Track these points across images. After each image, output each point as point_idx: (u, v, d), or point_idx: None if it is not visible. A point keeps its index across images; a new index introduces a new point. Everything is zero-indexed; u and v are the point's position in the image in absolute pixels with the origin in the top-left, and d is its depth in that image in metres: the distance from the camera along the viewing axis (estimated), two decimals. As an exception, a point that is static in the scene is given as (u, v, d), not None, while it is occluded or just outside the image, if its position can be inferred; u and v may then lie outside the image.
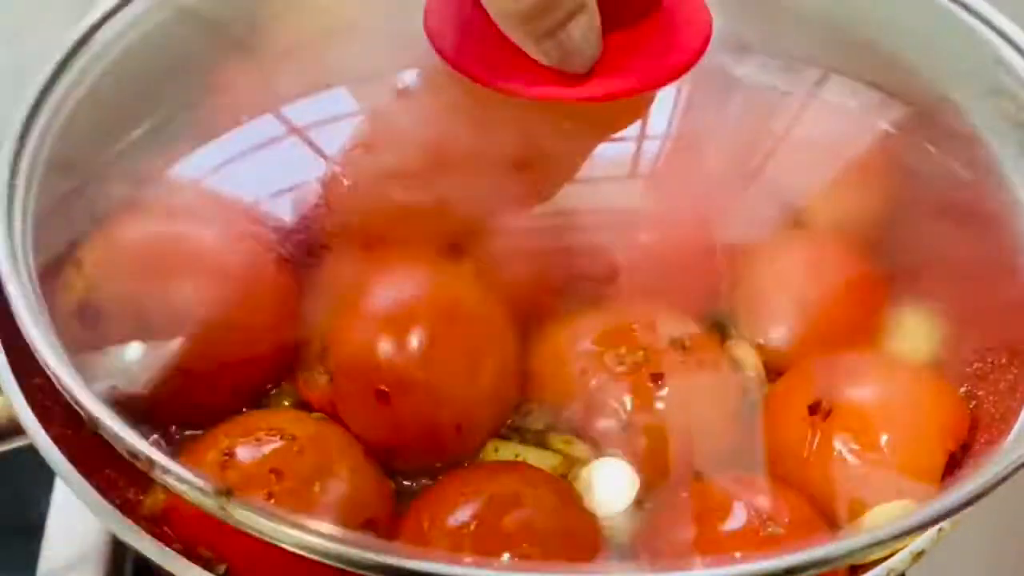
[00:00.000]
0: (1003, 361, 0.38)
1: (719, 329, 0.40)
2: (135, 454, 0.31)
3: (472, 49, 0.37)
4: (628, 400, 0.37)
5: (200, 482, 0.30)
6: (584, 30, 0.34)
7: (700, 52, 0.38)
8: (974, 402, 0.38)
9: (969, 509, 0.31)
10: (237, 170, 0.41)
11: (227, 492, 0.30)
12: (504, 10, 0.34)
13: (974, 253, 0.42)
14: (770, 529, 0.34)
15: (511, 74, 0.36)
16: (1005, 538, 0.48)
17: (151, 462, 0.30)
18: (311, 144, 0.42)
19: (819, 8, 0.47)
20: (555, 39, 0.34)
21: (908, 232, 0.44)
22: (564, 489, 0.36)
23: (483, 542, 0.34)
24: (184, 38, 0.45)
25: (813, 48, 0.46)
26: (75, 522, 0.42)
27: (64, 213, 0.39)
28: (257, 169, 0.41)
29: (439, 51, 0.37)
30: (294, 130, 0.42)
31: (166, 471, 0.30)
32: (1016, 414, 0.35)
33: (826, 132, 0.44)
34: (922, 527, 0.32)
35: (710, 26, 0.39)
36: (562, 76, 0.35)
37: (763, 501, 0.35)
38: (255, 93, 0.43)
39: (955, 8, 0.45)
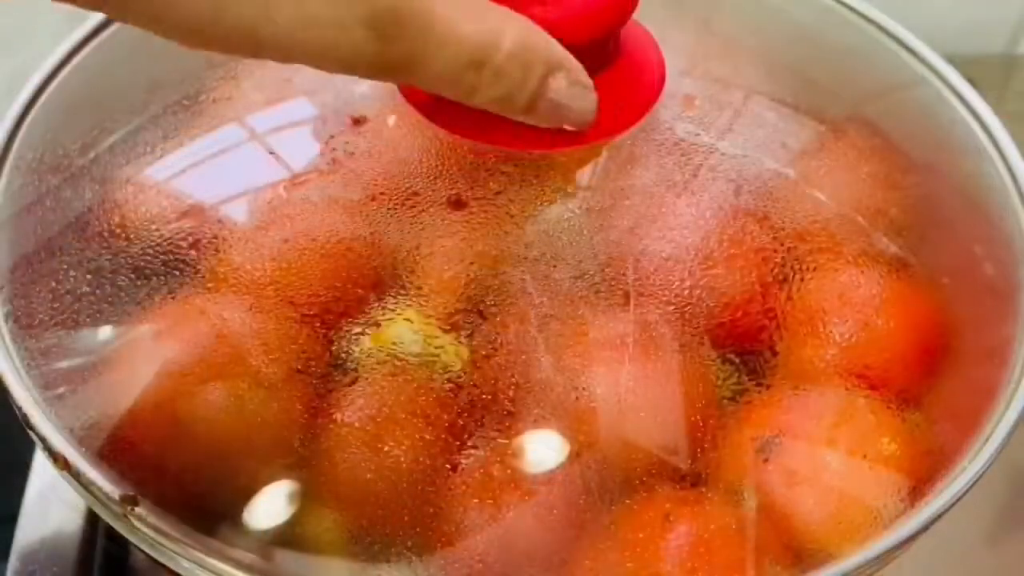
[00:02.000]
0: (979, 402, 0.38)
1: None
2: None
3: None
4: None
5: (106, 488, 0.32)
6: (565, 87, 0.34)
7: (656, 95, 0.40)
8: (945, 440, 0.38)
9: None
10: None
11: (131, 500, 0.32)
12: (481, 102, 0.33)
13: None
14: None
15: (479, 126, 0.36)
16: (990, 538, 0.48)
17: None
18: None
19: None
20: (540, 106, 0.34)
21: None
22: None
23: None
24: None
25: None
26: (49, 508, 0.43)
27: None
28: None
29: (406, 96, 0.38)
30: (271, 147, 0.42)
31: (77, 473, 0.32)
32: (976, 454, 0.35)
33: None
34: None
35: (663, 68, 0.40)
36: (517, 128, 0.35)
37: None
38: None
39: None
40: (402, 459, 0.36)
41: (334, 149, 0.41)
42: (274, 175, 0.41)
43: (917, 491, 0.37)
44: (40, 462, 0.43)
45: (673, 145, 0.42)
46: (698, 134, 0.43)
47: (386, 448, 0.36)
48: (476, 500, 0.36)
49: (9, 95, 0.41)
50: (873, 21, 0.48)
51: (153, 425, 0.36)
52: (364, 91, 0.41)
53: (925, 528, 0.34)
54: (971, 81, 0.48)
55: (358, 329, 0.41)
